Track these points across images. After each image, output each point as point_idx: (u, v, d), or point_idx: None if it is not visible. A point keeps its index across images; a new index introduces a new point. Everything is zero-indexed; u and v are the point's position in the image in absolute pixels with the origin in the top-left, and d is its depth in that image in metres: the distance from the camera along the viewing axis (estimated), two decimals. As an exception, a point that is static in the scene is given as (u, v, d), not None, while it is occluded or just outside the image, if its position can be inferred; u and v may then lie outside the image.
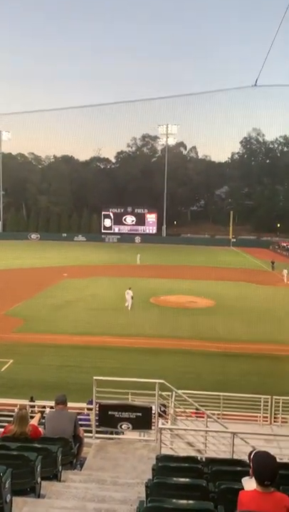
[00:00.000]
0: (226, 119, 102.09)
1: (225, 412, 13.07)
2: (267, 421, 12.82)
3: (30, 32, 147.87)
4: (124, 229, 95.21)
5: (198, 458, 7.34)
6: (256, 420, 12.99)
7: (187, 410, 11.24)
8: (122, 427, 8.96)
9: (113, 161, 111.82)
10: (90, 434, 8.97)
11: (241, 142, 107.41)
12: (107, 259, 58.75)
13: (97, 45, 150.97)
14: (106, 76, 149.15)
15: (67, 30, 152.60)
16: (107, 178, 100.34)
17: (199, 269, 49.52)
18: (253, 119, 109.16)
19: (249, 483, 4.17)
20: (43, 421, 7.67)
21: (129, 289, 30.93)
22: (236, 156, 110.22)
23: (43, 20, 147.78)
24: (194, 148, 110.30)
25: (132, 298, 30.34)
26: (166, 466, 6.01)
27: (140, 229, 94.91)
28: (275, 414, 12.87)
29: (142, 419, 8.90)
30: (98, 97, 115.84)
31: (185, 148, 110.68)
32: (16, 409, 8.03)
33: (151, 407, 9.15)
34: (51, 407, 9.71)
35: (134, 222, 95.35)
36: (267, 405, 12.77)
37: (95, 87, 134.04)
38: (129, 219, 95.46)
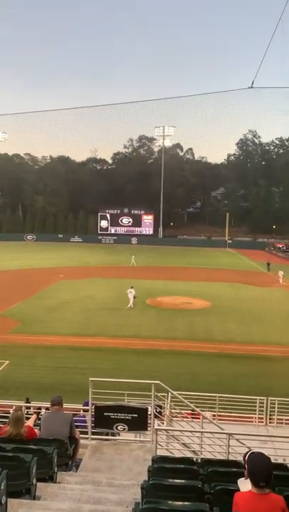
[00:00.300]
0: (222, 121, 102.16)
1: (220, 413, 13.09)
2: (262, 422, 12.84)
3: (27, 33, 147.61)
4: (121, 230, 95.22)
5: (194, 459, 7.34)
6: (252, 421, 13.01)
7: (183, 411, 11.24)
8: (118, 428, 8.95)
9: (110, 162, 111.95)
10: (86, 436, 8.95)
11: (237, 144, 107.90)
12: (103, 261, 58.73)
13: (94, 46, 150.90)
14: (103, 77, 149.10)
15: (64, 31, 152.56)
16: (104, 179, 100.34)
17: (195, 270, 49.55)
18: (249, 120, 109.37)
19: (244, 485, 4.16)
20: (39, 422, 7.65)
21: (131, 287, 31.32)
22: (232, 157, 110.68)
23: (41, 21, 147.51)
24: (190, 149, 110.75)
25: (135, 297, 30.76)
26: (161, 467, 6.01)
27: (137, 230, 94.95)
28: (270, 415, 12.89)
29: (138, 421, 8.89)
30: (95, 98, 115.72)
31: (181, 150, 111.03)
32: (11, 411, 8.01)
33: (147, 408, 9.14)
34: (47, 409, 9.69)
35: (130, 224, 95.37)
36: (262, 406, 12.79)
37: (92, 88, 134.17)
38: (126, 220, 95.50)
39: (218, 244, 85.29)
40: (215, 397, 13.06)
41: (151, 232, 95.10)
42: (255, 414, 12.88)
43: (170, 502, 4.43)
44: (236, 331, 25.21)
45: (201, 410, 11.68)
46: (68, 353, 21.20)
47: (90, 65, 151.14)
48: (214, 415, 12.54)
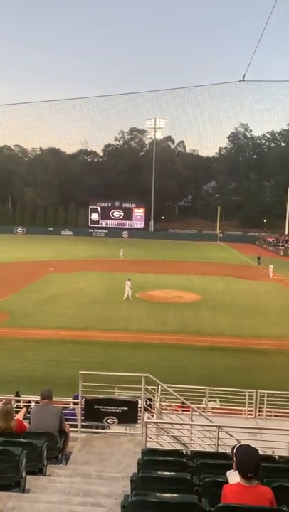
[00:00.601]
0: (214, 114, 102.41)
1: (210, 406, 13.21)
2: (252, 414, 12.97)
3: (20, 24, 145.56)
4: (112, 223, 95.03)
5: (183, 451, 7.41)
6: (241, 414, 13.14)
7: (173, 404, 11.31)
8: (108, 421, 8.98)
9: (100, 154, 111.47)
10: (76, 429, 8.98)
11: (229, 137, 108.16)
12: (94, 254, 58.59)
13: (85, 37, 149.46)
14: (94, 69, 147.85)
15: (56, 23, 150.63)
16: (95, 171, 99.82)
17: (186, 264, 49.70)
18: (240, 114, 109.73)
19: (233, 477, 4.22)
20: (29, 416, 7.65)
21: (129, 280, 31.51)
22: (224, 151, 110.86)
23: (33, 14, 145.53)
24: (182, 142, 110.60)
25: (131, 288, 30.97)
26: (151, 459, 6.05)
27: (128, 223, 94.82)
28: (259, 407, 13.02)
29: (128, 414, 8.94)
30: (86, 89, 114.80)
31: (173, 143, 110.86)
32: (0, 404, 8.00)
33: (137, 401, 9.18)
34: (36, 402, 9.69)
35: (121, 217, 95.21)
36: (252, 399, 12.92)
37: (83, 80, 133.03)
38: (117, 213, 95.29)
39: (209, 238, 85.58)
40: (204, 389, 13.16)
41: (142, 225, 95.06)
42: (245, 406, 13.01)
43: (159, 494, 4.46)
44: (227, 324, 25.38)
45: (191, 403, 11.77)
46: (58, 347, 21.18)
47: (85, 57, 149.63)
48: (203, 408, 12.63)
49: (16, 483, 5.65)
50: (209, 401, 13.41)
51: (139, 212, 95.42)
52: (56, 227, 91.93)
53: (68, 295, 32.45)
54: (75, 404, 10.39)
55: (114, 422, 9.00)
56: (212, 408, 13.29)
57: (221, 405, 13.40)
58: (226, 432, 8.42)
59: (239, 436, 8.23)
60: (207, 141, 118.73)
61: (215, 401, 13.65)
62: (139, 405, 9.20)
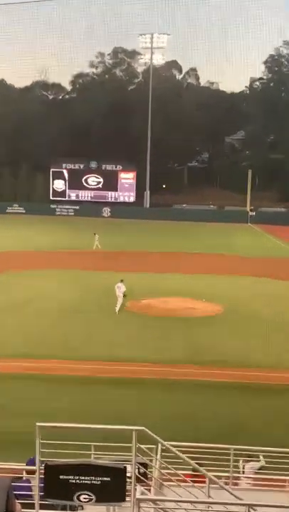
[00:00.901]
0: (243, 28, 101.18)
1: (236, 475, 13.33)
2: (297, 487, 13.12)
3: None
4: (86, 195, 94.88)
5: None
6: (284, 486, 13.28)
7: (179, 472, 11.42)
8: (81, 498, 9.06)
9: (68, 88, 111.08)
10: (32, 510, 9.05)
11: (266, 63, 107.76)
12: (58, 242, 58.56)
13: None
14: None
15: None
16: (59, 115, 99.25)
17: (199, 257, 49.81)
18: (284, 27, 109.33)
19: None
20: None
21: (121, 281, 32.18)
22: (258, 83, 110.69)
23: None
24: (194, 70, 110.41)
25: (125, 296, 31.72)
26: None
27: (110, 195, 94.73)
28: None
29: (111, 487, 9.00)
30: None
31: (180, 71, 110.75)
32: None
33: (125, 468, 9.26)
34: (-28, 470, 9.74)
35: (100, 186, 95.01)
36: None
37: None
38: (94, 180, 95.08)
39: (234, 218, 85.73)
40: (229, 449, 13.26)
41: (132, 198, 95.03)
42: (288, 475, 13.14)
43: None
44: (261, 350, 25.53)
45: (208, 471, 11.88)
46: (5, 384, 21.24)
47: None
48: (226, 477, 12.76)
49: None
50: (248, 461, 13.55)
51: (127, 179, 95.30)
52: (0, 201, 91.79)
53: (20, 306, 32.46)
54: (30, 472, 10.47)
55: (91, 500, 9.07)
56: (255, 472, 13.44)
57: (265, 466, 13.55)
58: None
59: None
60: (232, 70, 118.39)
61: (259, 460, 13.81)
62: (129, 474, 9.29)
